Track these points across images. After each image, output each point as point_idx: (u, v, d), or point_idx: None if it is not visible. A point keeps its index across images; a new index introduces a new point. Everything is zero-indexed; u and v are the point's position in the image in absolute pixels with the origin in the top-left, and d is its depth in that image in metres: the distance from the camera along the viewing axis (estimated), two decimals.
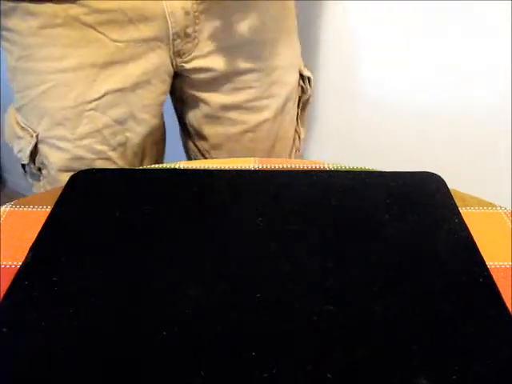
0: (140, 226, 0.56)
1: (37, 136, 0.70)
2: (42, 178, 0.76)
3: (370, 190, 0.63)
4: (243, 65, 0.75)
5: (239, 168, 0.67)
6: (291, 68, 0.83)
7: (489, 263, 0.52)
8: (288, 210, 0.59)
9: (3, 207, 0.59)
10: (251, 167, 0.67)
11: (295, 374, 0.41)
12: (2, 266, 0.51)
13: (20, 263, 0.51)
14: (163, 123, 0.82)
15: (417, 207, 0.60)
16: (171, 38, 0.68)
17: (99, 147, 0.72)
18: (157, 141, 0.80)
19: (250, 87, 0.78)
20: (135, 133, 0.74)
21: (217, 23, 0.69)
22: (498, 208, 0.62)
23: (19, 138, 0.74)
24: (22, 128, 0.73)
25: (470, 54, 0.93)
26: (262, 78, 0.78)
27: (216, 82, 0.76)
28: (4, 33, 0.67)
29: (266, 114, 0.81)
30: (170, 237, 0.55)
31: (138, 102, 0.72)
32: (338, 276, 0.51)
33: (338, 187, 0.63)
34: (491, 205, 0.62)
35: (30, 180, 0.79)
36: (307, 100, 0.87)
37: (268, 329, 0.45)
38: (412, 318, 0.46)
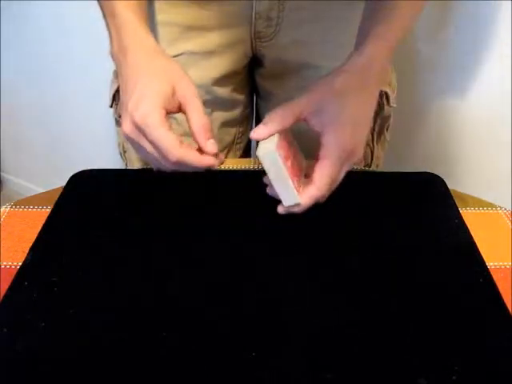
0: (139, 226, 0.56)
1: None
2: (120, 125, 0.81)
3: (370, 190, 0.63)
4: (317, 62, 0.74)
5: (239, 168, 0.67)
6: None
7: (489, 263, 0.52)
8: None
9: (3, 207, 0.59)
10: (251, 167, 0.67)
11: (295, 374, 0.41)
12: (2, 266, 0.51)
13: (20, 263, 0.51)
14: (241, 111, 0.81)
15: (417, 207, 0.60)
16: (253, 17, 0.70)
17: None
18: (228, 122, 0.80)
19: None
20: (204, 102, 0.75)
21: (302, 14, 0.70)
22: (498, 208, 0.62)
23: (112, 81, 0.80)
24: (114, 71, 0.78)
25: (468, 54, 0.93)
26: None
27: (287, 76, 0.76)
28: None
29: None
30: (170, 237, 0.55)
31: (210, 71, 0.74)
32: (338, 276, 0.51)
33: (338, 187, 0.63)
34: (491, 205, 0.62)
35: (116, 127, 0.84)
36: (386, 119, 0.79)
37: (268, 329, 0.45)
38: (412, 318, 0.46)
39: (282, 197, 0.51)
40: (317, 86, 0.53)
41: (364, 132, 0.54)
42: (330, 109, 0.51)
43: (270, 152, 0.49)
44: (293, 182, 0.50)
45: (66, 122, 1.47)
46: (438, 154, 1.06)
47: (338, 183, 0.54)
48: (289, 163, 0.51)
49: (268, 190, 0.53)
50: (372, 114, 0.55)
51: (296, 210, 0.51)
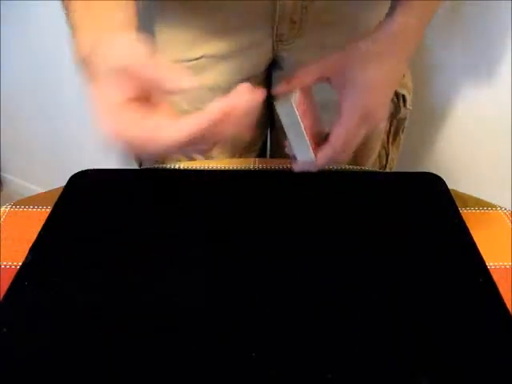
0: (139, 226, 0.56)
1: None
2: None
3: (371, 190, 0.63)
4: None
5: (239, 168, 0.67)
6: None
7: (489, 263, 0.52)
8: (287, 210, 0.59)
9: (3, 207, 0.59)
10: (251, 167, 0.67)
11: (295, 374, 0.41)
12: (2, 266, 0.51)
13: (20, 263, 0.51)
14: (257, 114, 0.80)
15: (417, 207, 0.60)
16: (277, 20, 0.68)
17: (185, 106, 0.75)
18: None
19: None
20: None
21: (325, 17, 0.69)
22: (498, 208, 0.62)
23: None
24: None
25: (469, 55, 0.93)
26: None
27: None
28: None
29: None
30: (170, 237, 0.55)
31: (230, 75, 0.74)
32: (338, 275, 0.51)
33: (338, 187, 0.63)
34: (491, 205, 0.62)
35: None
36: (402, 121, 0.81)
37: (268, 329, 0.45)
38: (412, 318, 0.46)
39: (295, 151, 0.51)
40: (345, 48, 0.53)
41: (385, 96, 0.55)
42: (352, 71, 0.52)
43: (286, 102, 0.49)
44: (310, 142, 0.50)
45: (66, 122, 1.47)
46: (439, 154, 1.06)
47: (356, 145, 0.54)
48: (306, 123, 0.51)
49: (286, 150, 0.54)
50: (398, 81, 0.55)
51: (311, 168, 0.52)
